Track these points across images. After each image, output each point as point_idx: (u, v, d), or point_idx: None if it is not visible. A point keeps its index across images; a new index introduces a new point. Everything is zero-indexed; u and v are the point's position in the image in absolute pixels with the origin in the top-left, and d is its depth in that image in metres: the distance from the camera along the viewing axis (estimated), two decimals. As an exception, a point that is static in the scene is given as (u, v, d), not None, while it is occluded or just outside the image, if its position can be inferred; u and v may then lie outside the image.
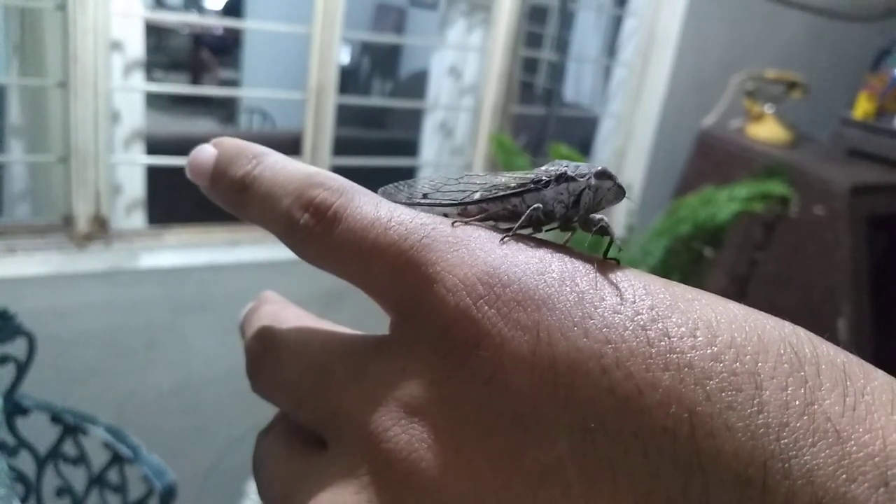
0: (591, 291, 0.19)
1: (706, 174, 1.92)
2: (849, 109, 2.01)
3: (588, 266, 0.20)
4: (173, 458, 1.23)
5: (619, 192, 0.24)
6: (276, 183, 0.24)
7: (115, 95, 1.52)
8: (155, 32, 5.41)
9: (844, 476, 0.15)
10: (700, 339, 0.18)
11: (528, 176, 0.25)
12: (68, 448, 1.23)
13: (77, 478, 1.24)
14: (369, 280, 0.22)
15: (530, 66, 3.38)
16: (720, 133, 2.02)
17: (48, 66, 1.47)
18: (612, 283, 0.19)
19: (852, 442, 0.16)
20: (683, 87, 2.08)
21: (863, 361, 0.18)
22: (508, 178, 0.26)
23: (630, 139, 2.18)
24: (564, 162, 0.25)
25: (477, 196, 0.26)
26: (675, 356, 0.17)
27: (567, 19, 2.18)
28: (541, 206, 0.24)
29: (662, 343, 0.17)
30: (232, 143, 0.26)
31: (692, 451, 0.16)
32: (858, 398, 0.17)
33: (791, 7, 2.16)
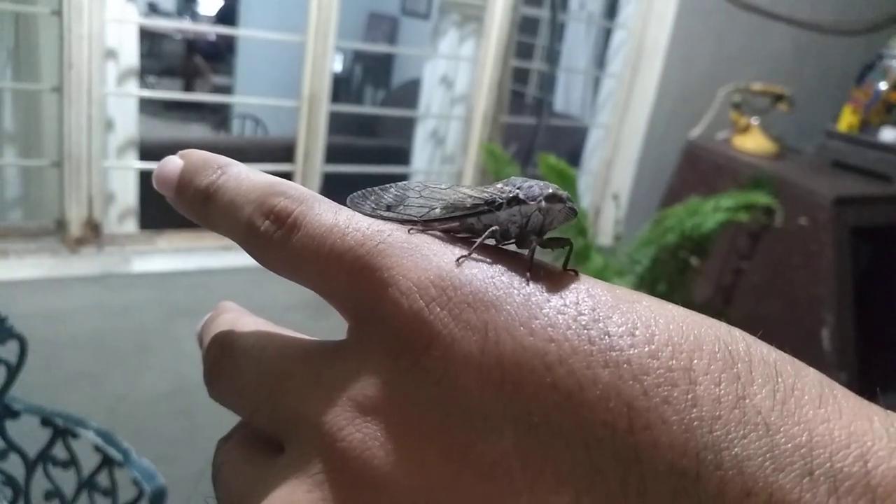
0: (538, 294, 0.20)
1: (693, 185, 1.94)
2: (833, 122, 2.04)
3: (536, 270, 0.21)
4: (164, 461, 1.24)
5: (570, 213, 0.25)
6: (239, 192, 0.24)
7: (109, 101, 1.53)
8: (148, 38, 5.41)
9: (772, 466, 0.16)
10: (638, 337, 0.18)
11: (483, 195, 0.26)
12: (58, 451, 1.23)
13: (67, 481, 1.24)
14: (327, 285, 0.23)
15: (521, 76, 3.41)
16: (707, 144, 2.04)
17: (43, 72, 1.48)
18: (557, 286, 0.20)
19: (781, 434, 0.17)
20: (671, 98, 2.11)
21: (795, 360, 0.19)
22: (465, 197, 0.27)
23: (618, 149, 2.21)
24: (518, 181, 0.26)
25: (436, 212, 0.27)
26: (614, 353, 0.18)
27: (557, 31, 2.21)
28: (497, 228, 0.25)
29: (603, 341, 0.18)
30: (198, 154, 0.26)
31: (630, 444, 0.17)
32: (788, 393, 0.18)
33: (777, 21, 2.19)
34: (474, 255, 0.22)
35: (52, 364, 1.47)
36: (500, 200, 0.26)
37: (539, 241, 0.25)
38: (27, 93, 1.53)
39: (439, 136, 2.10)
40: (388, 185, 0.29)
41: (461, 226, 0.26)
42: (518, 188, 0.26)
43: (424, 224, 0.26)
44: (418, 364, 0.19)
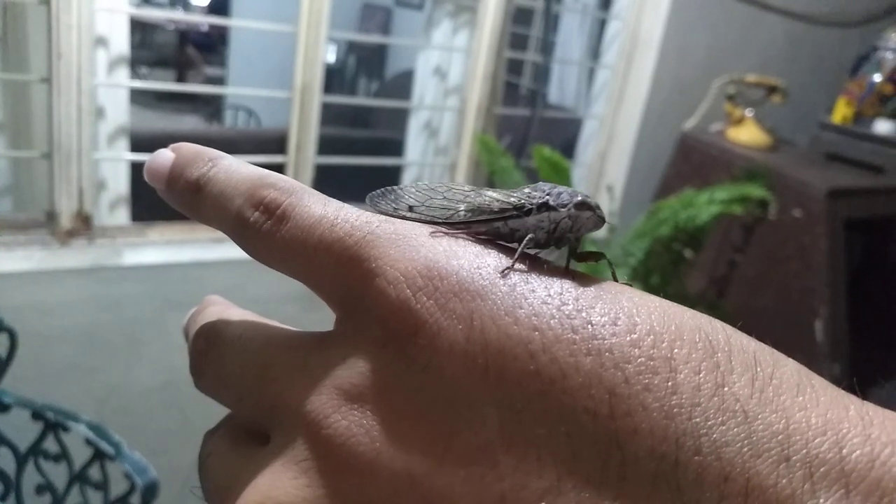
0: (523, 284, 0.20)
1: (687, 176, 1.94)
2: (827, 114, 2.04)
3: (521, 262, 0.22)
4: (155, 455, 1.23)
5: (598, 221, 0.25)
6: (230, 184, 0.25)
7: (99, 91, 1.52)
8: (140, 28, 5.37)
9: (750, 452, 0.17)
10: (621, 326, 0.19)
11: (511, 199, 0.26)
12: (49, 445, 1.23)
13: (58, 475, 1.23)
14: (315, 276, 0.23)
15: (515, 67, 3.40)
16: (701, 136, 2.04)
17: (32, 62, 1.46)
18: (542, 277, 0.21)
19: (759, 421, 0.17)
20: (665, 90, 2.10)
21: (774, 350, 0.20)
22: (491, 200, 0.27)
23: (612, 141, 2.20)
24: (546, 187, 0.26)
25: (461, 214, 0.27)
26: (596, 342, 0.19)
27: (552, 21, 2.20)
28: (533, 236, 0.25)
29: (586, 330, 0.19)
30: (189, 147, 0.26)
31: (611, 430, 0.17)
32: (766, 382, 0.18)
33: (772, 12, 2.19)
34: (461, 243, 0.22)
35: (42, 357, 1.46)
36: (530, 206, 0.26)
37: (573, 254, 0.26)
38: (16, 83, 1.52)
39: (433, 128, 2.09)
40: (407, 185, 0.29)
41: (487, 229, 0.26)
42: (547, 194, 0.26)
43: (449, 226, 0.26)
44: (404, 352, 0.20)
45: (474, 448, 0.18)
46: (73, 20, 1.39)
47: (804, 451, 0.17)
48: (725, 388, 0.18)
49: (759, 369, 0.18)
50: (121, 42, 1.53)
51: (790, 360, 0.19)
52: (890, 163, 1.88)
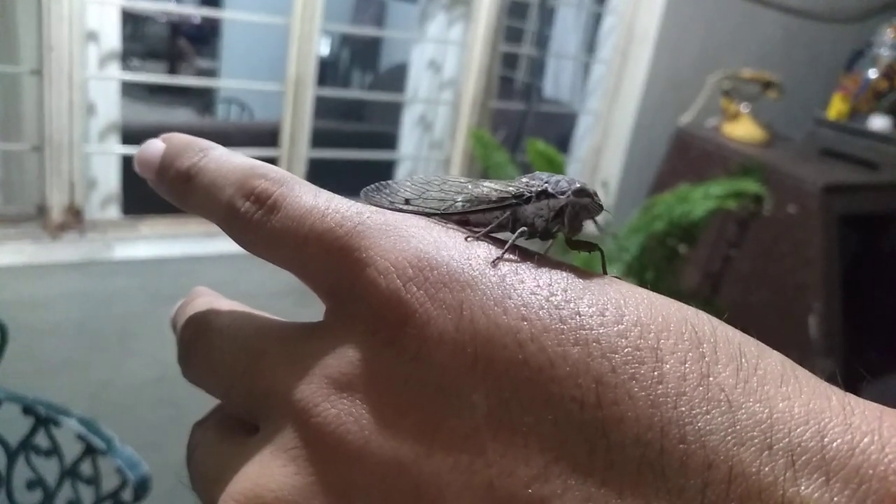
0: (512, 275, 0.21)
1: (682, 172, 1.94)
2: (823, 110, 2.04)
3: (511, 252, 0.22)
4: (147, 450, 1.23)
5: (597, 208, 0.26)
6: (220, 174, 0.25)
7: (90, 84, 1.51)
8: (131, 20, 5.34)
9: (733, 441, 0.17)
10: (608, 317, 0.19)
11: (510, 189, 0.26)
12: (40, 440, 1.22)
13: (49, 470, 1.23)
14: (306, 266, 0.23)
15: (510, 61, 3.39)
16: (696, 131, 2.04)
17: (22, 54, 1.45)
18: (531, 267, 0.21)
19: (742, 411, 0.17)
20: (661, 85, 2.10)
21: (759, 342, 0.20)
22: (489, 190, 0.27)
23: (608, 136, 2.20)
24: (544, 176, 0.26)
25: (459, 205, 0.27)
26: (584, 332, 0.19)
27: (547, 15, 2.19)
28: (526, 229, 0.25)
29: (574, 320, 0.19)
30: (180, 137, 0.26)
31: (598, 418, 0.18)
32: (751, 372, 0.18)
33: (768, 7, 2.19)
34: (451, 234, 0.22)
35: (33, 352, 1.45)
36: (529, 194, 0.26)
37: (568, 242, 0.26)
38: (6, 75, 1.50)
39: (427, 122, 2.08)
40: (402, 179, 0.29)
41: (486, 219, 0.26)
42: (546, 182, 0.26)
43: (446, 217, 0.26)
44: (394, 341, 0.20)
45: (462, 436, 0.18)
46: (65, 12, 1.38)
47: (787, 439, 0.17)
48: (710, 378, 0.18)
49: (743, 360, 0.19)
50: (112, 34, 1.52)
51: (774, 351, 0.20)
52: (885, 159, 1.89)
